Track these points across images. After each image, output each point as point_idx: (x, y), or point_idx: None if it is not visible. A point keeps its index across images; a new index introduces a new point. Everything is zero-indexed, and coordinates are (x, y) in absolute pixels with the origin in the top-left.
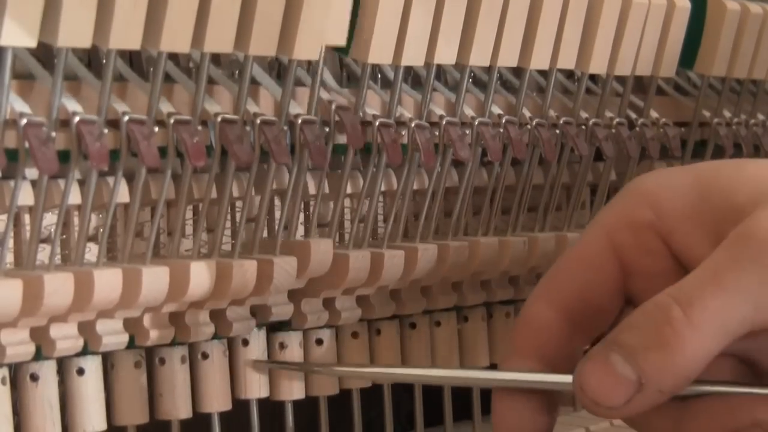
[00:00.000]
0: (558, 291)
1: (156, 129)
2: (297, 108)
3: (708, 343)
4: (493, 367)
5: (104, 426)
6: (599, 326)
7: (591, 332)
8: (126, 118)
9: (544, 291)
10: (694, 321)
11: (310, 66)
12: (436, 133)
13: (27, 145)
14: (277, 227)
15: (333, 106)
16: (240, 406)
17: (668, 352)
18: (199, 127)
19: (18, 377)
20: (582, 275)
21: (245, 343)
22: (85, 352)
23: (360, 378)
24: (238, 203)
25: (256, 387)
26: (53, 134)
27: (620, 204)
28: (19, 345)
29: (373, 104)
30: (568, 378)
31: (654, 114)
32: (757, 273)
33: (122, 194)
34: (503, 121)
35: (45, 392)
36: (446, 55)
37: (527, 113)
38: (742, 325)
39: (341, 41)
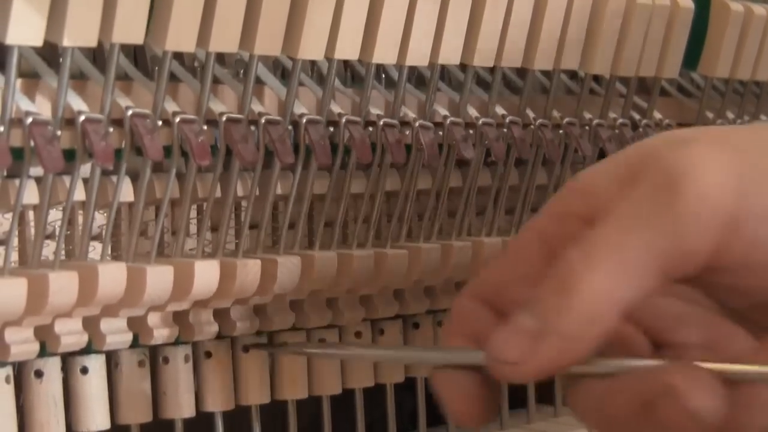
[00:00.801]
0: (481, 283)
1: (160, 124)
2: (301, 108)
3: (607, 280)
4: None
5: (108, 425)
6: None
7: None
8: (129, 112)
9: (469, 285)
10: (590, 259)
11: (314, 66)
12: (440, 134)
13: (32, 143)
14: (281, 227)
15: (343, 120)
16: (243, 405)
17: (566, 294)
18: (204, 127)
19: (22, 374)
20: (505, 265)
21: (245, 349)
22: (89, 350)
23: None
24: (243, 203)
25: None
26: (59, 133)
27: (554, 197)
28: (23, 343)
29: (377, 104)
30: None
31: (657, 115)
32: (655, 210)
33: (127, 193)
34: (507, 121)
35: (49, 389)
36: (450, 55)
37: (531, 114)
38: (648, 266)
39: (354, 55)
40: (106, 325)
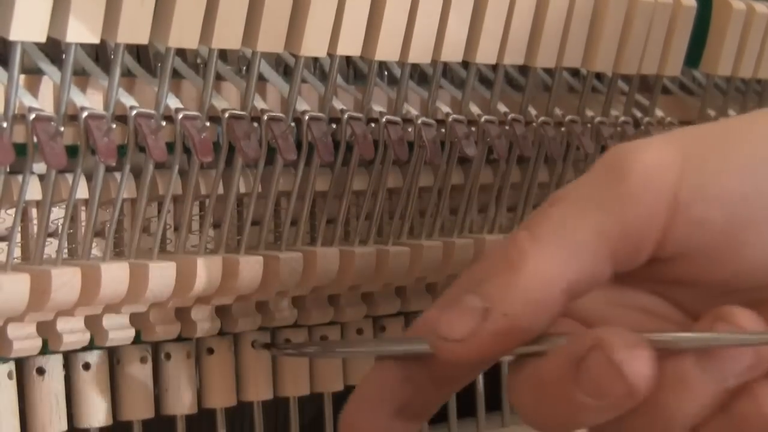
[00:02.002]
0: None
1: (164, 124)
2: (304, 105)
3: (552, 260)
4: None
5: (109, 421)
6: None
7: None
8: (134, 112)
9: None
10: (536, 239)
11: (317, 63)
12: (442, 131)
13: (35, 139)
14: (283, 224)
15: (345, 116)
16: (244, 402)
17: (510, 272)
18: (207, 123)
19: (24, 371)
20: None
21: (253, 345)
22: (91, 346)
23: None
24: (245, 199)
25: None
26: (61, 129)
27: (535, 211)
28: (25, 339)
29: (379, 101)
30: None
31: (659, 113)
32: (600, 190)
33: (129, 190)
34: (509, 119)
35: (51, 386)
36: (453, 52)
37: (533, 111)
38: (595, 247)
39: (356, 52)
40: (108, 321)
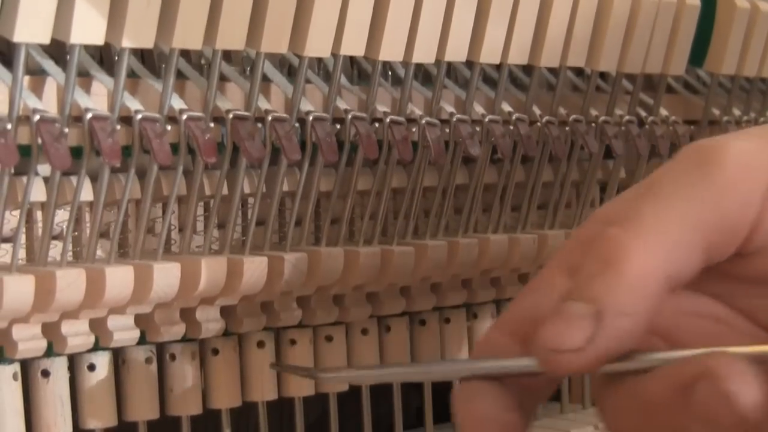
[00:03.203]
0: (509, 318)
1: (169, 128)
2: (308, 105)
3: (652, 254)
4: None
5: (115, 422)
6: None
7: None
8: (139, 116)
9: (497, 322)
10: (632, 230)
11: (321, 63)
12: (447, 131)
13: (40, 141)
14: (287, 224)
15: (349, 116)
16: (249, 402)
17: (615, 269)
18: (211, 124)
19: (29, 373)
20: (531, 299)
21: (260, 344)
22: (96, 347)
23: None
24: (249, 200)
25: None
26: (66, 130)
27: (576, 230)
28: (30, 340)
29: (383, 101)
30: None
31: (663, 112)
32: (694, 183)
33: (134, 190)
34: (513, 118)
35: (56, 388)
36: (457, 52)
37: (537, 111)
38: (691, 241)
39: (360, 52)
40: (113, 322)
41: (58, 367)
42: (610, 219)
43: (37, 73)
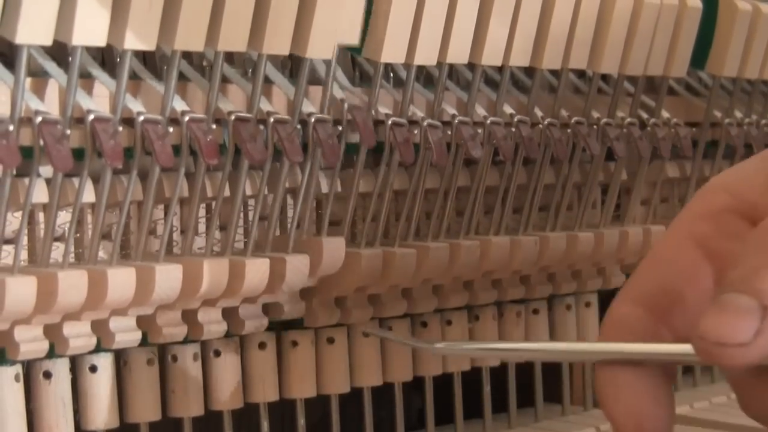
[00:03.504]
0: (640, 289)
1: (171, 131)
2: (310, 106)
3: None
4: (503, 367)
5: (116, 423)
6: (686, 320)
7: (678, 325)
8: (141, 117)
9: (626, 293)
10: None
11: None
12: (449, 133)
13: (42, 142)
14: (289, 226)
15: (345, 106)
16: (251, 403)
17: None
18: (213, 126)
19: (31, 374)
20: (661, 271)
21: (262, 346)
22: (98, 349)
23: (473, 355)
24: (251, 201)
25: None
26: (68, 132)
27: (694, 200)
28: (32, 342)
29: (385, 103)
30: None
31: (665, 114)
32: None
33: (135, 192)
34: (515, 120)
35: (58, 389)
36: (458, 54)
37: (539, 113)
38: None
39: (354, 40)
40: (114, 323)
41: (60, 369)
42: (738, 190)
43: (39, 75)
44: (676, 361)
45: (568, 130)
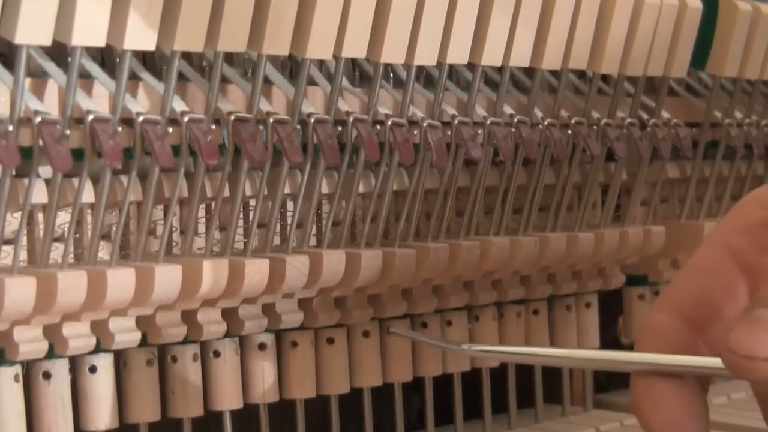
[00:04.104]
0: (677, 300)
1: (170, 131)
2: (310, 107)
3: None
4: (503, 368)
5: (116, 424)
6: (722, 331)
7: (714, 338)
8: (140, 118)
9: (663, 302)
10: None
11: (323, 65)
12: (448, 133)
13: (41, 142)
14: (289, 226)
15: (351, 118)
16: (251, 404)
17: None
18: (213, 126)
19: (31, 375)
20: (699, 282)
21: (262, 347)
22: (97, 349)
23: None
24: (251, 202)
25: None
26: (67, 132)
27: (732, 213)
28: (31, 342)
29: (385, 103)
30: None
31: (665, 114)
32: None
33: (135, 192)
34: (515, 121)
35: (57, 390)
36: (458, 55)
37: (539, 113)
38: None
39: (361, 54)
40: (114, 324)
41: (60, 369)
42: None
43: (38, 75)
44: (706, 373)
45: (568, 131)
